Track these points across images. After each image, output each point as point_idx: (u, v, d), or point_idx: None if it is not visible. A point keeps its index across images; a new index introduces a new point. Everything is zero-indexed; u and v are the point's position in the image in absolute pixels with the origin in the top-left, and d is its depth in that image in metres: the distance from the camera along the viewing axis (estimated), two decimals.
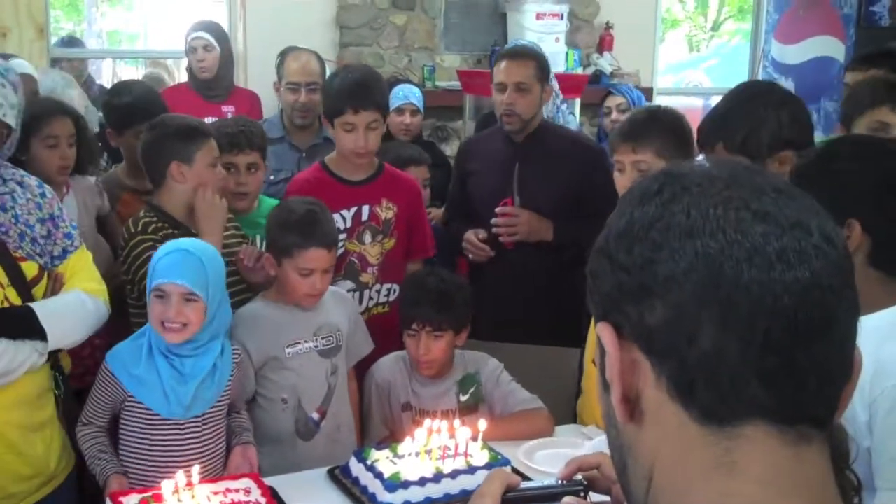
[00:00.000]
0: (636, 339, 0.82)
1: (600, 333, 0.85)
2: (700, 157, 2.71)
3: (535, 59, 3.61)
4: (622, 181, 2.82)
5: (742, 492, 0.79)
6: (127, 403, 2.55)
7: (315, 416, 2.86)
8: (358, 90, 3.19)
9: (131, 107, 3.50)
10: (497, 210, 3.51)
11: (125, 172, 3.62)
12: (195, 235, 2.90)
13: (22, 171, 2.61)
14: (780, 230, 0.79)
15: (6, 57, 3.88)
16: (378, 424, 3.01)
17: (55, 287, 2.54)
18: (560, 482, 1.25)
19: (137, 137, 3.19)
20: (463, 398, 2.95)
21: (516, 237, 3.51)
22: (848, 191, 1.84)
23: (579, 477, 1.27)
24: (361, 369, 3.08)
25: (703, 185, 0.82)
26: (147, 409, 2.53)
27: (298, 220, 2.83)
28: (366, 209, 3.29)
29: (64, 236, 2.58)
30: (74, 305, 2.53)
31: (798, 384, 0.78)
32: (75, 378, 2.84)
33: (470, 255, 3.58)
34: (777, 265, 0.77)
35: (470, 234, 3.56)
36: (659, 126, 2.84)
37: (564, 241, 3.47)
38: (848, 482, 1.39)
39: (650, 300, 0.80)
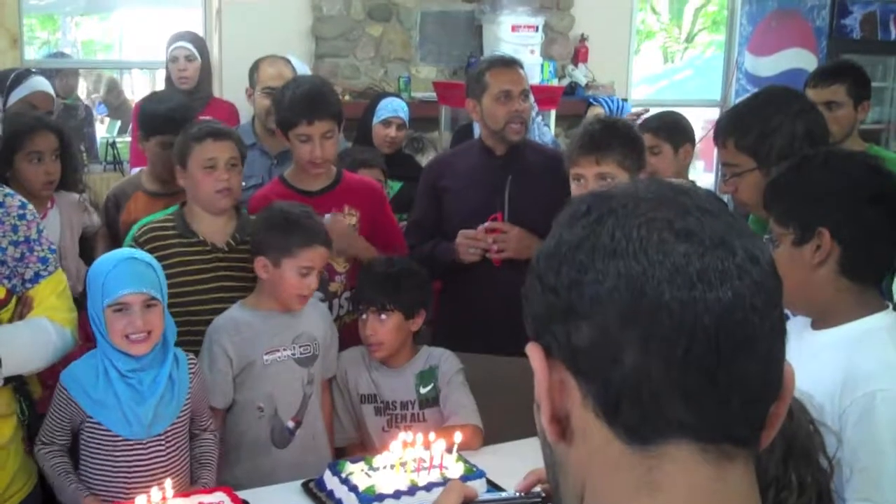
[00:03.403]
0: (563, 360, 0.83)
1: (529, 354, 0.86)
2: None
3: (522, 66, 3.58)
4: (582, 193, 2.83)
5: None
6: (87, 424, 2.52)
7: (290, 424, 2.87)
8: (311, 101, 3.19)
9: (163, 116, 3.52)
10: (486, 225, 3.38)
11: (147, 176, 3.66)
12: (209, 246, 2.99)
13: (6, 190, 2.56)
14: (703, 249, 0.79)
15: (26, 74, 3.88)
16: (345, 422, 3.03)
17: (23, 311, 2.49)
18: (518, 494, 1.25)
19: (161, 146, 3.39)
20: (423, 391, 2.97)
21: (505, 254, 3.39)
22: (817, 200, 1.87)
23: (538, 489, 1.28)
24: None
25: (629, 206, 0.83)
26: (108, 430, 2.50)
27: (298, 220, 2.87)
28: (328, 218, 3.27)
29: (38, 260, 2.51)
30: (36, 333, 2.47)
31: (720, 403, 0.79)
32: (44, 403, 2.75)
33: (470, 251, 3.39)
34: (698, 285, 0.78)
35: (466, 231, 3.41)
36: (618, 138, 2.87)
37: None
38: (821, 472, 1.41)
39: (576, 321, 0.81)
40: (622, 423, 0.80)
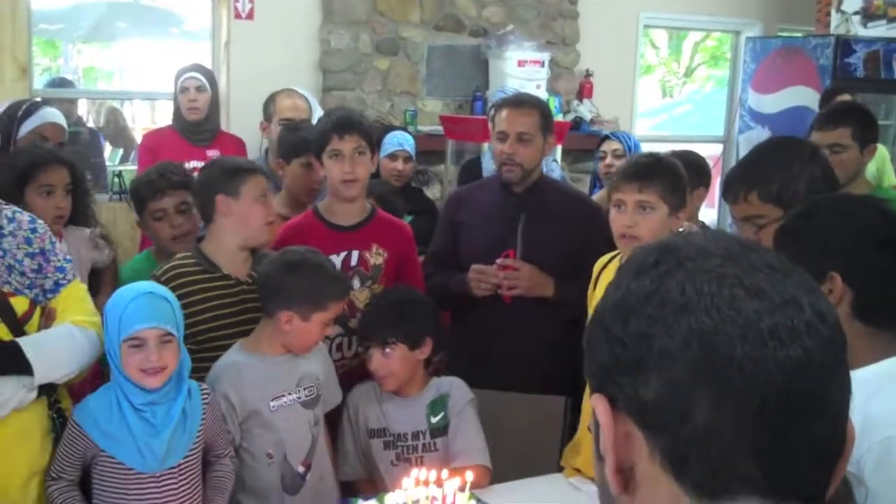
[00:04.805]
0: (630, 413, 0.83)
1: (595, 406, 0.86)
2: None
3: (538, 108, 3.53)
4: (621, 219, 2.83)
5: None
6: (99, 458, 2.49)
7: (301, 469, 2.81)
8: (342, 120, 3.24)
9: (304, 139, 3.72)
10: (498, 262, 3.37)
11: (282, 201, 3.79)
12: (233, 280, 2.96)
13: (14, 207, 2.59)
14: (773, 307, 0.80)
15: (37, 105, 3.89)
16: (352, 457, 2.99)
17: (47, 323, 2.52)
18: None
19: (302, 167, 3.74)
20: (433, 420, 2.94)
21: (516, 291, 3.38)
22: (827, 245, 1.86)
23: None
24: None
25: (698, 260, 0.84)
26: (120, 463, 2.48)
27: (331, 271, 2.86)
28: (355, 254, 3.26)
29: (56, 269, 2.55)
30: (62, 338, 2.49)
31: (790, 461, 0.79)
32: None
33: (482, 286, 3.38)
34: (769, 342, 0.78)
35: (478, 266, 3.40)
36: (664, 171, 2.85)
37: (565, 300, 3.36)
38: None
39: (645, 374, 0.81)
40: (691, 478, 0.80)
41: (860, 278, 1.84)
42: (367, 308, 3.07)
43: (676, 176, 2.89)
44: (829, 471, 0.83)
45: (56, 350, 2.48)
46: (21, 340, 2.42)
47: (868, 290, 1.85)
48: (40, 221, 2.60)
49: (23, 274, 2.49)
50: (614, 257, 3.02)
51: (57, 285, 2.55)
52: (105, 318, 2.51)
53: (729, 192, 2.55)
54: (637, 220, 2.80)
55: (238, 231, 2.99)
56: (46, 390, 2.52)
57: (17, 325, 2.45)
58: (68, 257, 2.65)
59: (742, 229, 2.52)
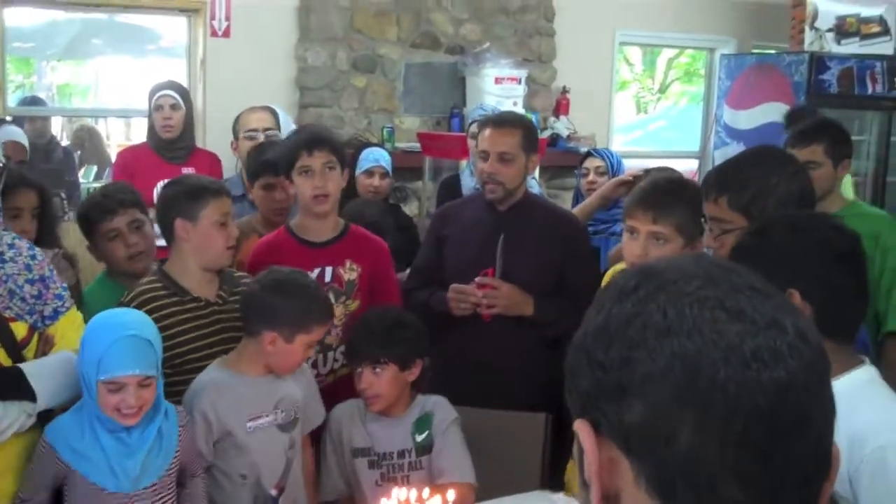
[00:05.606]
0: (614, 439, 0.82)
1: (578, 431, 0.85)
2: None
3: (521, 127, 3.51)
4: (633, 247, 2.74)
5: None
6: (70, 479, 2.45)
7: (273, 492, 2.77)
8: (310, 136, 3.24)
9: (265, 160, 3.78)
10: (476, 280, 3.36)
11: (258, 220, 3.88)
12: (203, 302, 2.92)
13: (14, 234, 2.59)
14: (756, 329, 0.79)
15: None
16: (335, 476, 2.97)
17: (45, 349, 2.51)
18: None
19: (263, 189, 3.80)
20: (419, 438, 2.93)
21: (495, 310, 3.37)
22: (784, 262, 1.86)
23: None
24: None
25: (679, 283, 0.83)
26: (93, 483, 2.43)
27: (316, 294, 2.84)
28: (329, 270, 3.25)
29: (55, 297, 2.56)
30: (63, 365, 2.48)
31: (775, 485, 0.79)
32: None
33: (461, 306, 3.37)
34: (753, 364, 0.78)
35: (457, 286, 3.40)
36: (682, 201, 2.74)
37: (545, 319, 3.36)
38: None
39: (628, 399, 0.81)
40: None
41: (819, 293, 1.85)
42: (357, 326, 3.04)
43: (696, 204, 2.68)
44: (815, 493, 0.82)
45: (57, 377, 2.47)
46: (24, 366, 2.41)
47: (827, 304, 1.86)
48: (38, 249, 2.61)
49: (23, 300, 2.49)
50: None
51: (56, 312, 2.56)
52: (81, 348, 2.46)
53: (703, 190, 2.54)
54: (650, 250, 2.70)
55: (197, 255, 2.96)
56: (45, 414, 2.51)
57: (17, 351, 2.44)
58: (64, 284, 2.64)
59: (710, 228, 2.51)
